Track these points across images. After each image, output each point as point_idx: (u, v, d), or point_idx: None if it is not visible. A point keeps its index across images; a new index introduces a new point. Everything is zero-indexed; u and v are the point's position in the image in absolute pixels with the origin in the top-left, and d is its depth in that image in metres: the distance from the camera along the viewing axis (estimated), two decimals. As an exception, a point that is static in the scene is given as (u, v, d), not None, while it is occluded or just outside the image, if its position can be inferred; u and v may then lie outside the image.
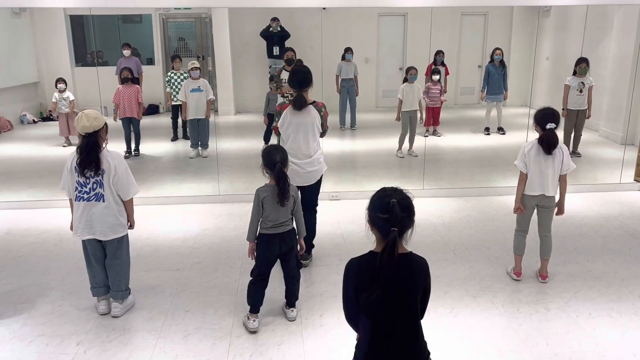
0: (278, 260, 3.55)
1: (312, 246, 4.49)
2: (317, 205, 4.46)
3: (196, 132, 7.71)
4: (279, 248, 3.45)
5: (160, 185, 6.70)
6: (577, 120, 7.41)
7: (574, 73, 7.34)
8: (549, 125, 3.82)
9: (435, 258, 4.54)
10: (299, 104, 4.10)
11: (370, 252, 2.11)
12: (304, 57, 8.05)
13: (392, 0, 6.27)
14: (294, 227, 3.54)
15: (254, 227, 3.45)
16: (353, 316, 2.14)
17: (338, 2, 6.17)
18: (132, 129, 7.69)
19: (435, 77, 8.11)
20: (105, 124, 3.50)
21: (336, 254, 4.65)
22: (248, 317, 3.51)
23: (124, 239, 3.67)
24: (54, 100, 8.03)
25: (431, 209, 5.79)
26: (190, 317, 3.69)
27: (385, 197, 2.04)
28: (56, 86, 8.11)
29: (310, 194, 4.38)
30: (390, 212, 1.98)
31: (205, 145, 7.79)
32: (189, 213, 5.75)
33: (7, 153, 7.76)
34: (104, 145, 3.48)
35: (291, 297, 3.63)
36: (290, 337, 3.45)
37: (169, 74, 8.23)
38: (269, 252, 3.45)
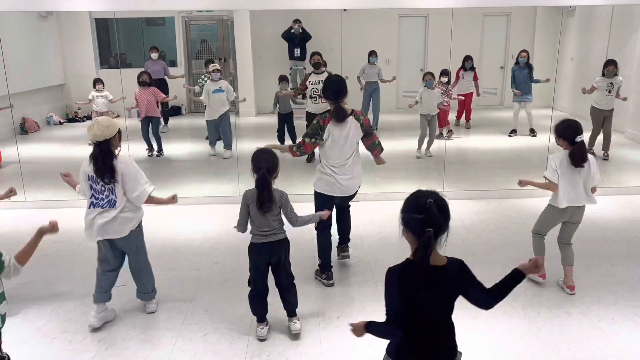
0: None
1: (348, 240, 4.54)
2: (349, 207, 4.48)
3: (215, 130, 7.84)
4: (269, 257, 3.37)
5: (181, 185, 6.77)
6: (604, 121, 7.28)
7: (603, 74, 7.23)
8: (579, 138, 3.71)
9: (455, 260, 4.51)
10: (341, 115, 3.96)
11: (407, 260, 2.05)
12: (326, 58, 8.05)
13: (413, 2, 6.24)
14: (285, 238, 3.43)
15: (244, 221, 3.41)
16: (394, 320, 2.08)
17: (359, 4, 6.16)
18: (151, 129, 7.92)
19: (444, 79, 8.04)
20: (119, 130, 3.48)
21: (355, 255, 4.65)
22: (257, 325, 3.49)
23: (140, 241, 3.68)
24: (90, 97, 8.23)
25: (451, 211, 5.73)
26: (209, 317, 3.73)
27: (421, 197, 1.99)
28: (94, 87, 8.31)
29: (343, 203, 4.34)
30: (427, 211, 1.93)
31: (228, 146, 7.87)
32: (210, 213, 5.81)
33: (34, 153, 7.94)
34: (117, 152, 3.46)
35: (288, 306, 3.51)
36: (308, 337, 3.46)
37: (204, 77, 8.48)
38: (259, 261, 3.38)
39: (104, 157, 3.37)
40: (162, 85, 8.77)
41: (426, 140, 7.70)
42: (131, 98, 7.79)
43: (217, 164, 7.81)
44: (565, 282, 4.02)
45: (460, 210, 5.79)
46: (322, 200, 4.15)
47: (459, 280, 2.07)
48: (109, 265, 3.65)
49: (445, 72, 8.05)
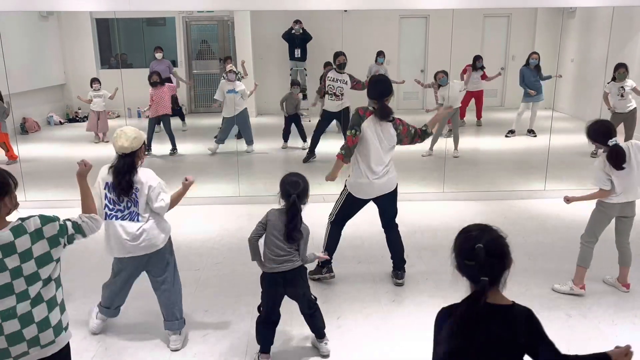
0: None
1: (404, 261, 4.24)
2: (395, 219, 4.22)
3: (228, 127, 7.91)
4: (284, 289, 3.11)
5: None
6: (625, 122, 7.26)
7: (613, 79, 7.23)
8: (612, 142, 3.64)
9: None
10: (385, 113, 3.90)
11: (464, 299, 1.82)
12: (326, 59, 8.07)
13: (414, 3, 6.24)
14: (302, 267, 3.15)
15: (251, 246, 3.15)
16: None
17: (359, 5, 6.17)
18: (162, 129, 8.06)
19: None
20: (144, 142, 3.26)
21: (354, 256, 4.65)
22: (258, 357, 3.20)
23: (170, 256, 3.43)
24: (88, 97, 8.28)
25: (451, 212, 5.75)
26: (209, 317, 3.73)
27: (469, 240, 1.77)
28: (91, 86, 8.35)
29: (386, 206, 4.15)
30: (476, 258, 1.72)
31: (249, 142, 7.96)
32: (209, 214, 5.81)
33: (35, 153, 7.94)
34: (139, 164, 3.24)
35: (316, 330, 3.28)
36: (308, 337, 3.46)
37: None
38: (274, 293, 3.12)
39: (126, 171, 3.14)
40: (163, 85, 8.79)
41: (439, 139, 7.68)
42: (134, 97, 7.78)
43: (217, 164, 7.81)
44: (620, 280, 4.05)
45: (460, 211, 5.79)
46: (353, 201, 4.09)
47: (526, 330, 1.78)
48: (127, 283, 3.43)
49: (444, 73, 8.06)
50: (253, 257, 3.19)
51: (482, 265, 1.71)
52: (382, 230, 4.26)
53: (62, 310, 2.26)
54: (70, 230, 2.33)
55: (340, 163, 4.00)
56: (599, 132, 3.73)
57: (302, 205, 3.09)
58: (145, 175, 3.24)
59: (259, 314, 3.21)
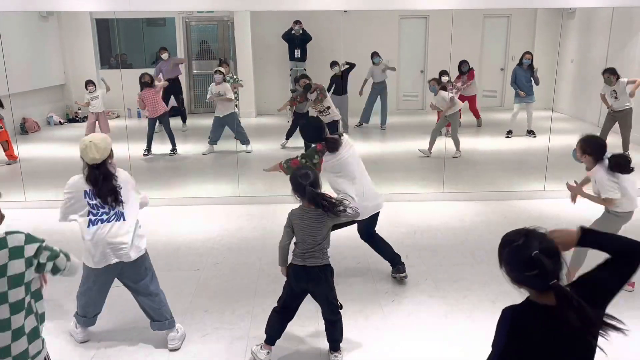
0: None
1: (399, 255, 4.23)
2: (375, 231, 4.23)
3: (218, 128, 7.93)
4: (306, 284, 3.12)
5: (181, 186, 6.78)
6: (620, 121, 7.25)
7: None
8: (608, 155, 3.72)
9: (455, 262, 4.52)
10: (334, 146, 3.89)
11: (528, 300, 1.77)
12: (326, 59, 8.09)
13: (414, 3, 6.25)
14: (327, 265, 3.15)
15: (282, 252, 3.20)
16: None
17: (359, 5, 6.17)
18: (161, 129, 8.08)
19: (445, 79, 8.13)
20: (111, 147, 3.23)
21: (353, 256, 4.65)
22: (261, 347, 3.21)
23: (148, 261, 3.38)
24: (85, 101, 8.29)
25: (451, 212, 5.75)
26: (209, 317, 3.74)
27: (521, 249, 1.70)
28: (86, 88, 8.34)
29: (374, 221, 4.17)
30: (539, 267, 1.65)
31: (245, 142, 7.94)
32: (209, 214, 5.81)
33: (34, 153, 7.95)
34: (111, 165, 3.20)
35: (332, 342, 3.25)
36: (307, 337, 3.47)
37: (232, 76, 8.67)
38: (295, 285, 3.14)
39: (104, 179, 3.10)
40: (176, 84, 8.84)
41: (438, 139, 7.69)
42: (134, 97, 7.80)
43: (216, 164, 7.81)
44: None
45: (459, 211, 5.79)
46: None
47: (591, 299, 1.75)
48: (102, 291, 3.37)
49: (444, 73, 8.08)
50: (281, 262, 3.23)
51: (547, 273, 1.65)
52: (378, 231, 4.26)
53: (31, 339, 2.11)
54: (43, 259, 2.12)
55: (278, 168, 4.08)
56: (601, 145, 3.79)
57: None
58: (123, 174, 3.26)
59: (275, 305, 3.23)
